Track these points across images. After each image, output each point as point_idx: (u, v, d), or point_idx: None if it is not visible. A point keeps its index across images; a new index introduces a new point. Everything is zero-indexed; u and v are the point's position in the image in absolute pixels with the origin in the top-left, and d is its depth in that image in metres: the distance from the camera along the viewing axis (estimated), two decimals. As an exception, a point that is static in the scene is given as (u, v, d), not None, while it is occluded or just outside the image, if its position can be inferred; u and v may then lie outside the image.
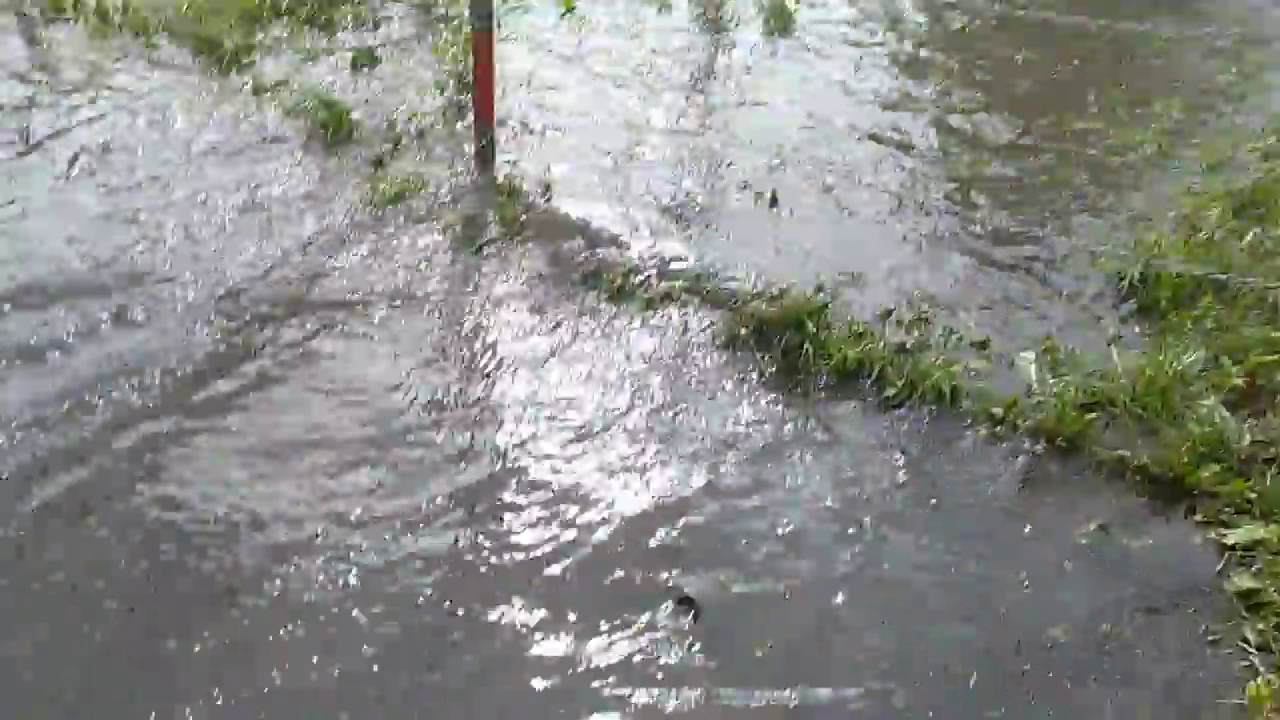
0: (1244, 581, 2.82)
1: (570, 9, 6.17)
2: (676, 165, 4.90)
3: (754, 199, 4.62)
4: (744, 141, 5.08)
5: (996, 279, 4.18)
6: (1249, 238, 4.27)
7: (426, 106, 5.18)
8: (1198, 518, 3.04)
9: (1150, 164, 5.14)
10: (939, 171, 5.02)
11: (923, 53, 6.42)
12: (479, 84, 4.39)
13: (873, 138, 5.26)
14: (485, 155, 4.58)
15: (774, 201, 4.58)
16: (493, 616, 2.60)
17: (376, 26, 6.00)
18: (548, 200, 4.48)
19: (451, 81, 5.32)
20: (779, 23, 6.52)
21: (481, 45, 4.29)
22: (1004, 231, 4.49)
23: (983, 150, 5.23)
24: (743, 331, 3.70)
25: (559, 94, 5.42)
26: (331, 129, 4.84)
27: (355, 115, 4.99)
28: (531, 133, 5.06)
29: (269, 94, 5.17)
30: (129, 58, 5.46)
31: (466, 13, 4.58)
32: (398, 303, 3.78)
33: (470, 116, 4.61)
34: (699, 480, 3.08)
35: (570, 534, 2.86)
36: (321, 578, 2.66)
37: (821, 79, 5.90)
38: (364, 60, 5.41)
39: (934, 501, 3.06)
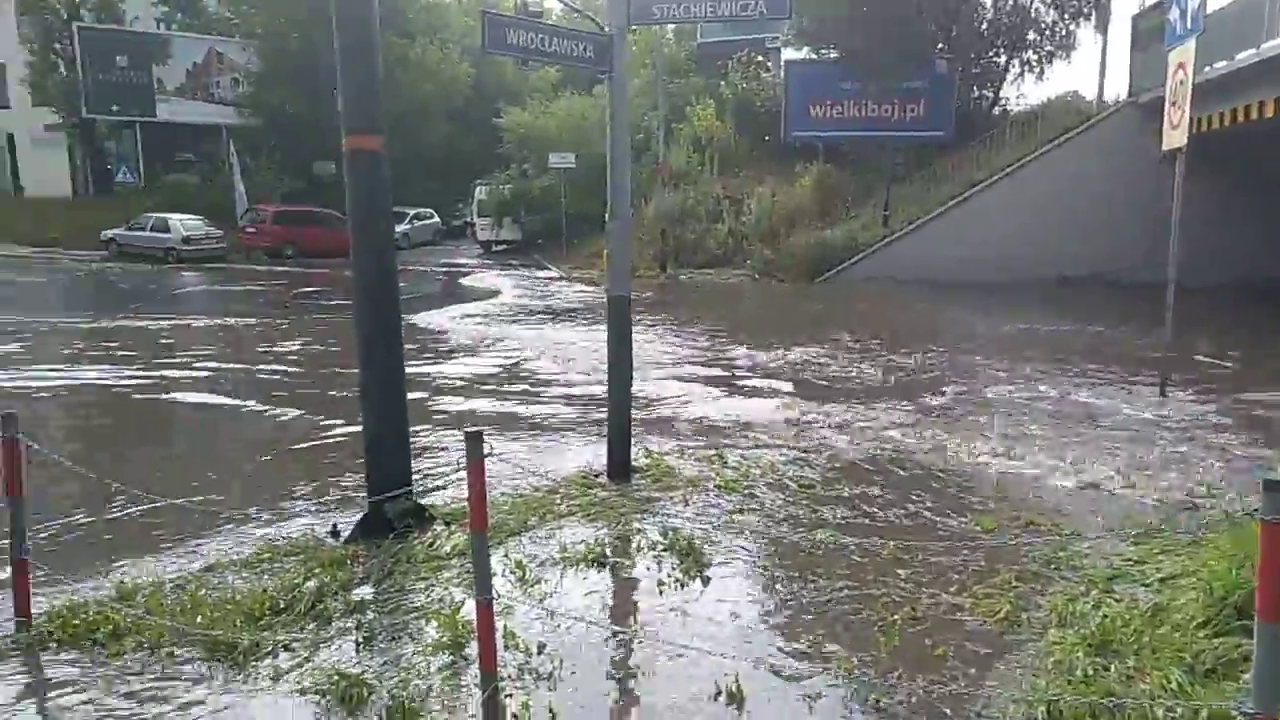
0: None
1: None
2: None
3: None
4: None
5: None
6: (1113, 670, 5.49)
7: (432, 665, 5.99)
8: None
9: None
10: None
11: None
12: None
13: None
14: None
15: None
16: None
17: (362, 613, 6.92)
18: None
19: (448, 644, 6.19)
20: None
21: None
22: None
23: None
24: None
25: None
26: (351, 699, 5.59)
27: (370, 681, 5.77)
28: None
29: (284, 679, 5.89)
30: (144, 674, 6.07)
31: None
32: None
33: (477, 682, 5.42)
34: None
35: None
36: None
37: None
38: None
39: None
